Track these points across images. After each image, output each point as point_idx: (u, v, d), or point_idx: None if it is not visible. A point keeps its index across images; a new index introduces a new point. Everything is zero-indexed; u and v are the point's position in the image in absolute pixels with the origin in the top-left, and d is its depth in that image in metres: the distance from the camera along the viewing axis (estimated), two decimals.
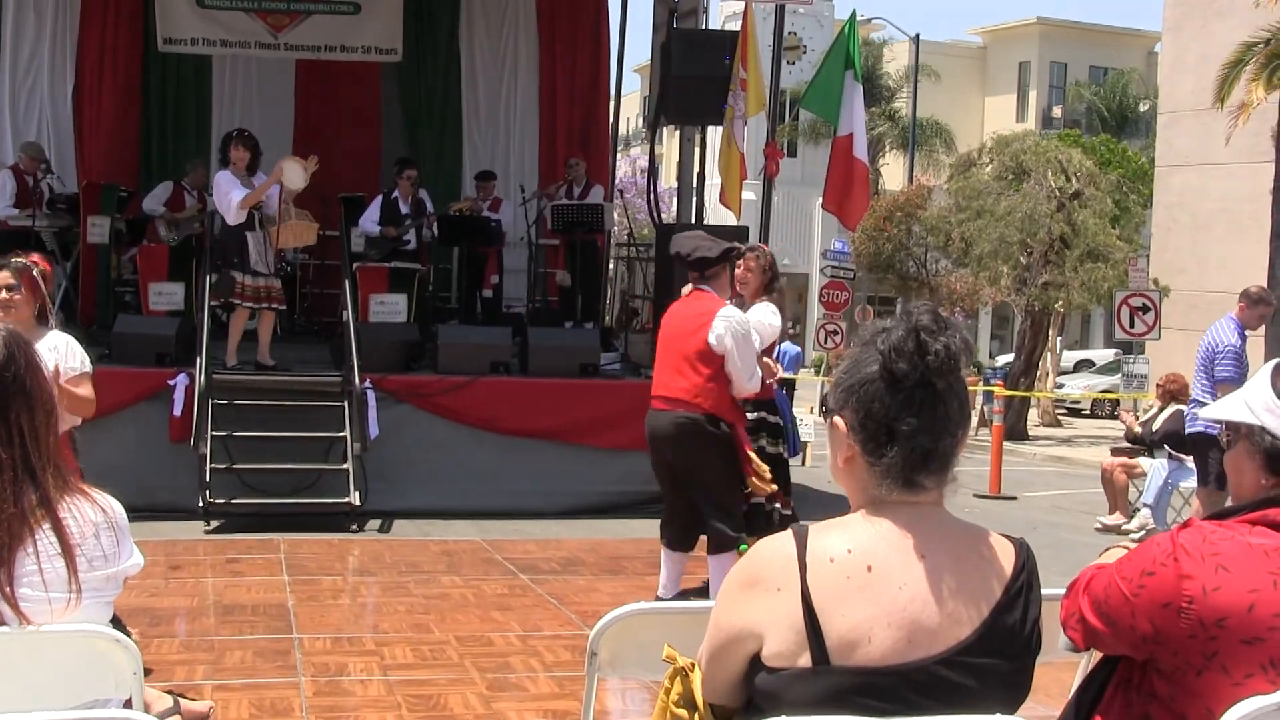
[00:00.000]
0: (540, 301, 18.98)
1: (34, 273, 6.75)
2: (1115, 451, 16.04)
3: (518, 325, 16.36)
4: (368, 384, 13.81)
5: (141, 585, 9.95)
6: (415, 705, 7.04)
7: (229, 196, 13.42)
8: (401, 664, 7.92)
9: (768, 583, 2.77)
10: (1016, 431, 28.23)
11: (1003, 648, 2.75)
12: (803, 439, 20.67)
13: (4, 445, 3.52)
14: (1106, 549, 3.57)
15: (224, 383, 13.64)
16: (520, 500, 14.03)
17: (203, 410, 13.25)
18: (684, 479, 9.07)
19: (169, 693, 4.66)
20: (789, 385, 15.18)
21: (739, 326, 8.82)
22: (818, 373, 38.94)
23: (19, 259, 6.82)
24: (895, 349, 2.74)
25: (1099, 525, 15.25)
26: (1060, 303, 29.57)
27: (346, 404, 13.74)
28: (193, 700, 4.82)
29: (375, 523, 13.22)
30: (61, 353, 6.72)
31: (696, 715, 3.07)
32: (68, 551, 3.50)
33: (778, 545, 2.81)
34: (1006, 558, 2.83)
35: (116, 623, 4.08)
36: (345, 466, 13.38)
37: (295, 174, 13.74)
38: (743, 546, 8.56)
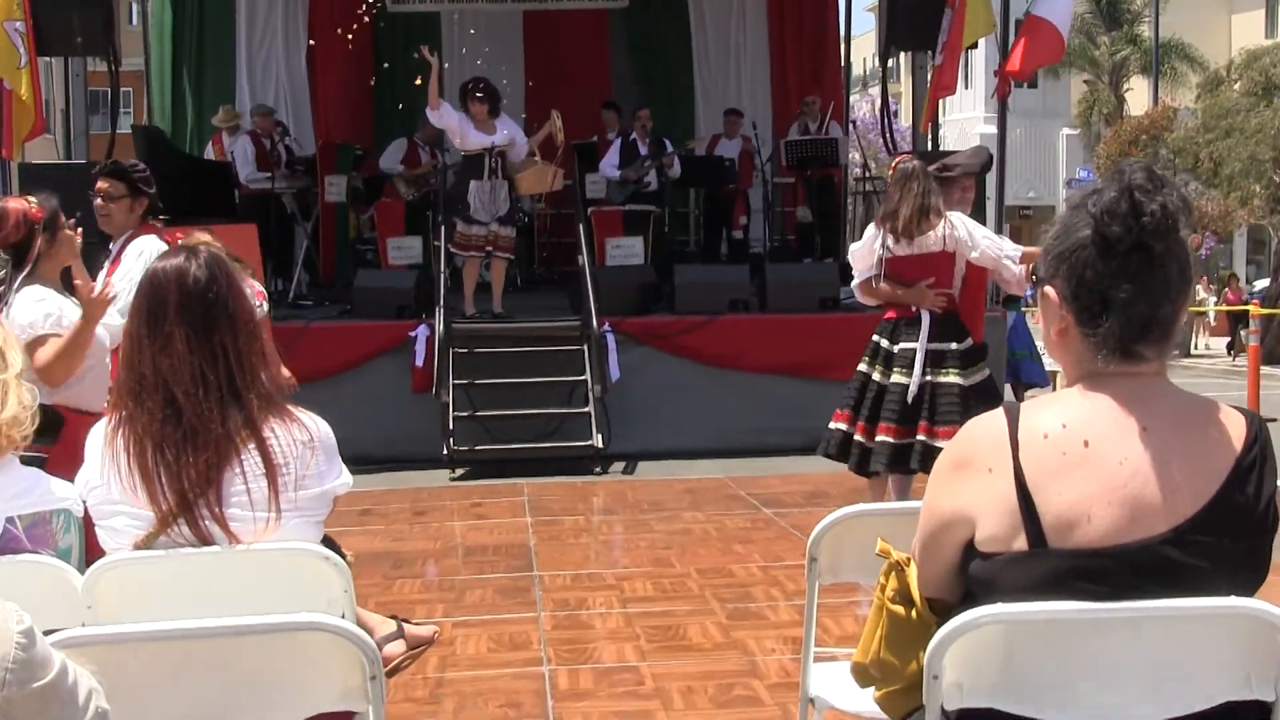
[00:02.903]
0: (779, 240, 18.78)
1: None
2: None
3: (756, 263, 16.18)
4: (607, 327, 13.80)
5: (387, 530, 10.12)
6: (654, 636, 6.95)
7: (463, 135, 13.59)
8: (641, 597, 7.84)
9: (978, 463, 2.60)
10: (1276, 355, 27.20)
11: (1235, 526, 2.52)
12: (1053, 367, 20.22)
13: (209, 365, 3.49)
14: None
15: (464, 332, 13.75)
16: (764, 437, 13.89)
17: (444, 360, 13.36)
18: None
19: (393, 617, 4.63)
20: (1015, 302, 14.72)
21: None
22: None
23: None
24: (1108, 211, 2.53)
25: None
26: None
27: (586, 348, 13.74)
28: (418, 625, 4.79)
29: (619, 465, 13.21)
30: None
31: (914, 611, 2.90)
32: (270, 471, 3.46)
33: (988, 423, 2.63)
34: (1237, 430, 2.59)
35: (330, 544, 4.04)
36: (587, 410, 13.38)
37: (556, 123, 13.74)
38: None
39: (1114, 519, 2.48)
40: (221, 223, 13.74)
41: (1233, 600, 2.51)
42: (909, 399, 8.54)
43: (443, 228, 14.13)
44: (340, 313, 14.85)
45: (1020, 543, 2.52)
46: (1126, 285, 2.52)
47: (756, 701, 5.84)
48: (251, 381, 3.54)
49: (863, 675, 3.05)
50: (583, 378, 13.61)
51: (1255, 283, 41.39)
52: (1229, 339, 28.57)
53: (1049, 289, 2.63)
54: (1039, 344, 17.20)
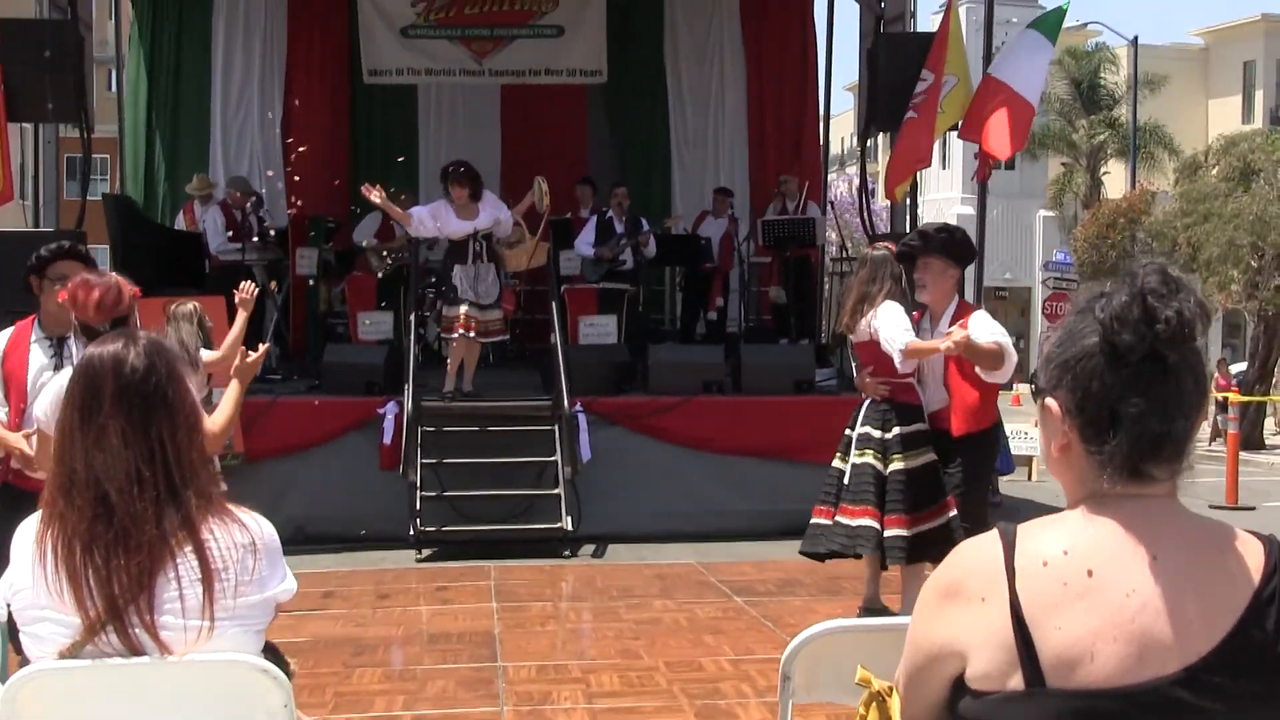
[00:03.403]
0: (754, 320, 18.62)
1: None
2: None
3: (731, 344, 16.03)
4: (578, 407, 13.62)
5: (349, 615, 9.88)
6: None
7: (444, 224, 13.41)
8: (608, 691, 7.60)
9: (970, 591, 2.36)
10: (1252, 440, 27.16)
11: (1253, 664, 2.27)
12: (1027, 452, 20.06)
13: (145, 461, 3.27)
14: None
15: (433, 410, 13.54)
16: (736, 521, 13.73)
17: (412, 438, 13.15)
18: None
19: None
20: None
21: None
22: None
23: None
24: (1118, 317, 2.30)
25: None
26: None
27: (557, 428, 13.54)
28: None
29: (589, 548, 13.00)
30: None
31: None
32: (207, 577, 3.23)
33: (981, 548, 2.40)
34: (1255, 559, 2.34)
35: (272, 652, 3.81)
36: (557, 491, 13.17)
37: (539, 191, 13.67)
38: None
39: (1120, 657, 2.25)
40: (190, 294, 13.56)
41: None
42: (844, 480, 8.85)
43: (414, 303, 13.93)
44: (309, 388, 14.64)
45: (1016, 681, 2.29)
46: (1137, 399, 2.30)
47: None
48: (190, 479, 3.31)
49: None
50: (553, 458, 13.40)
51: (1231, 366, 41.41)
52: (1210, 423, 28.46)
53: (1050, 401, 2.40)
54: (1007, 428, 17.09)
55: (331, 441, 13.63)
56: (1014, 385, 45.70)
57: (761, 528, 13.56)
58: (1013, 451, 18.12)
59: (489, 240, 13.51)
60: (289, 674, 3.94)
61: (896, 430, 8.66)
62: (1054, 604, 2.28)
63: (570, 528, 12.91)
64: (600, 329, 15.35)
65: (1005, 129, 13.96)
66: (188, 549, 3.26)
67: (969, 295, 15.37)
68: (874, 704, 2.74)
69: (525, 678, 7.95)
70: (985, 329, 8.45)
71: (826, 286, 19.57)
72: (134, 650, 3.21)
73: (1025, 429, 21.08)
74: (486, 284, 13.51)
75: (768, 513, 13.75)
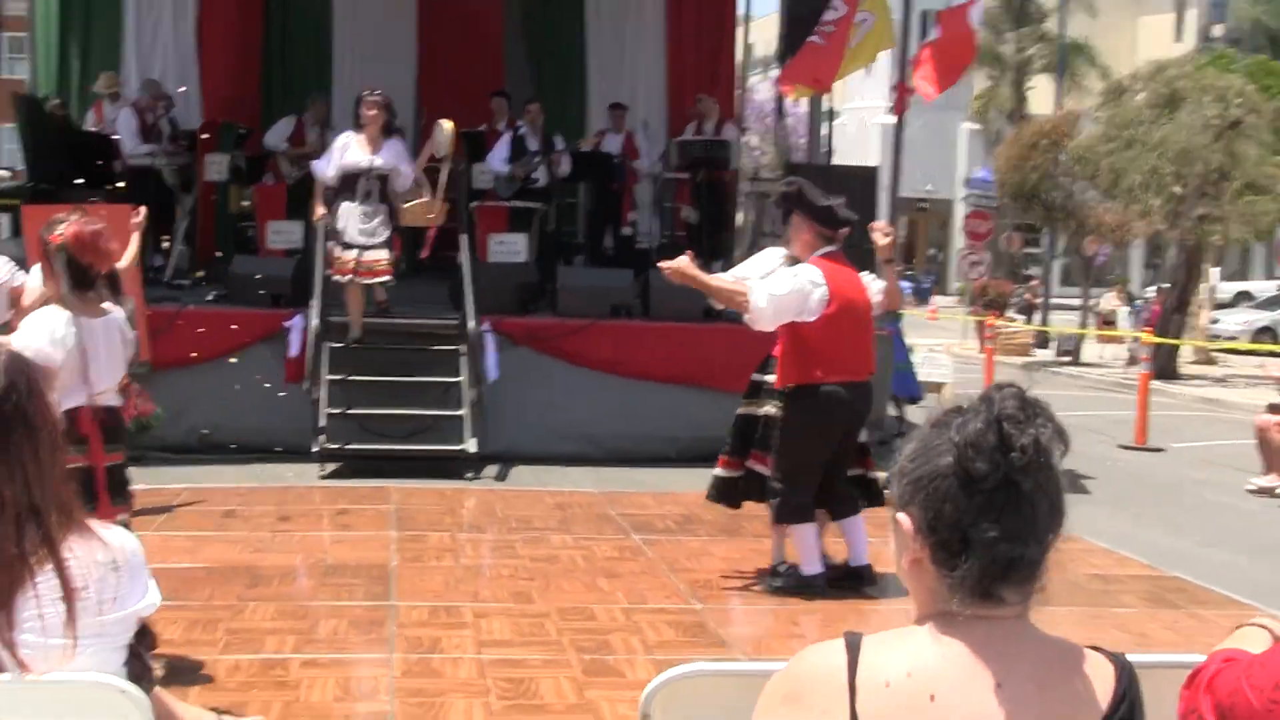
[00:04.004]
0: (668, 236, 18.54)
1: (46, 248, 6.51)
2: (1274, 408, 14.93)
3: (644, 263, 15.95)
4: (486, 326, 13.56)
5: (248, 539, 9.89)
6: (505, 691, 6.72)
7: (325, 168, 13.25)
8: (498, 640, 7.61)
9: (810, 703, 2.32)
10: (1167, 370, 27.39)
11: None
12: (939, 379, 20.11)
13: (5, 482, 3.20)
14: (1237, 627, 3.09)
15: (339, 324, 13.43)
16: (641, 445, 13.80)
17: (317, 353, 13.07)
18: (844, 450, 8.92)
19: (214, 709, 4.41)
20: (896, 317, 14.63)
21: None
22: (963, 299, 38.26)
23: (46, 230, 6.54)
24: (972, 444, 2.25)
25: (1251, 487, 14.42)
26: (1217, 236, 28.47)
27: (464, 348, 13.49)
28: (239, 718, 4.56)
29: (493, 469, 13.00)
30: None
31: None
32: (68, 596, 3.19)
33: (826, 657, 2.35)
34: (1104, 685, 2.33)
35: (139, 658, 3.77)
36: (462, 412, 13.15)
37: (443, 138, 13.29)
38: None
39: None
40: (100, 200, 13.39)
41: None
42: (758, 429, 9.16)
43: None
44: (216, 297, 14.50)
45: None
46: (990, 524, 2.25)
47: None
48: (51, 497, 3.26)
49: None
50: (459, 379, 13.36)
51: (1149, 288, 41.73)
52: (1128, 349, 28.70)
53: (902, 516, 2.36)
54: (913, 358, 17.19)
55: (238, 352, 13.52)
56: (930, 299, 46.06)
57: (665, 453, 13.65)
58: (922, 378, 18.15)
59: (384, 183, 13.15)
60: (151, 681, 3.92)
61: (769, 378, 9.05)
62: None
63: (473, 449, 12.90)
64: (510, 247, 15.25)
65: (943, 66, 13.99)
66: (48, 567, 3.21)
67: (883, 206, 15.42)
68: None
69: (417, 620, 7.95)
70: (749, 270, 9.06)
71: (740, 211, 19.53)
72: None
73: (939, 355, 21.23)
74: (373, 224, 13.09)
75: (672, 439, 13.83)
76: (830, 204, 8.66)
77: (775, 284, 8.48)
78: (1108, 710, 2.31)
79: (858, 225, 8.90)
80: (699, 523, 10.97)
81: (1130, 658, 2.41)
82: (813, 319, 8.43)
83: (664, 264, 8.67)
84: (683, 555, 9.87)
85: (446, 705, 6.49)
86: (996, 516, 2.25)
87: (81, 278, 6.42)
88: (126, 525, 6.52)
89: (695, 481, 12.23)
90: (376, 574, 8.99)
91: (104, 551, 3.28)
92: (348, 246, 13.05)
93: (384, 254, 13.14)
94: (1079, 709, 2.30)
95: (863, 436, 9.26)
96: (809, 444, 8.69)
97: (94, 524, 3.32)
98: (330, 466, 12.73)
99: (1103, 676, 2.35)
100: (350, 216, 13.05)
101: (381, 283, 13.23)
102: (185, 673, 6.74)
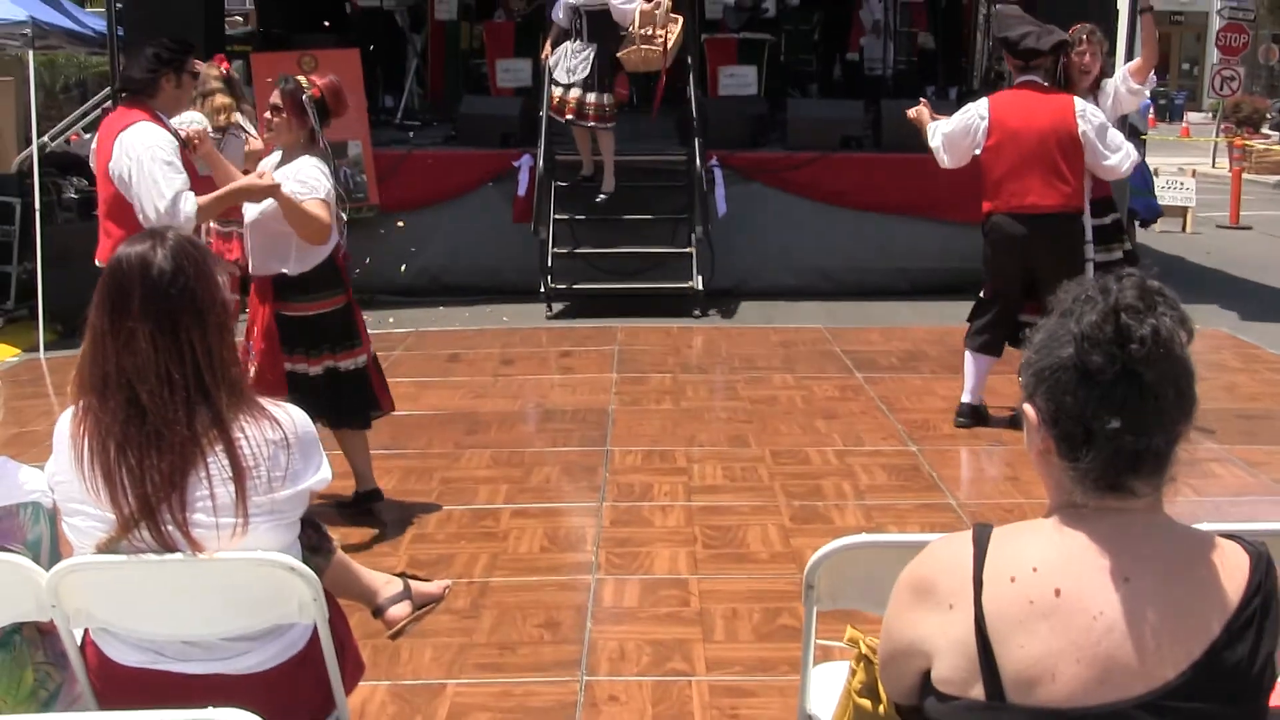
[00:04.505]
0: (903, 63, 18.14)
1: (301, 97, 6.54)
2: None
3: (875, 91, 15.67)
4: (714, 161, 13.49)
5: (470, 384, 10.06)
6: (711, 539, 6.77)
7: (556, 8, 13.04)
8: (708, 486, 7.66)
9: (939, 595, 2.32)
10: None
11: (1224, 690, 2.21)
12: (1182, 202, 19.54)
13: (175, 363, 3.30)
14: None
15: (567, 164, 13.48)
16: (870, 278, 13.68)
17: (544, 192, 13.14)
18: (1041, 281, 8.55)
19: (401, 575, 4.52)
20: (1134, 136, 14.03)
21: (1096, 117, 8.46)
22: (1215, 116, 36.87)
23: (291, 82, 6.62)
24: (1088, 336, 2.21)
25: None
26: None
27: (692, 184, 13.45)
28: (426, 581, 4.66)
29: (720, 306, 13.02)
30: (291, 176, 6.47)
31: (880, 707, 2.69)
32: (239, 475, 3.29)
33: (954, 551, 2.35)
34: (1236, 575, 2.27)
35: (316, 529, 3.88)
36: (690, 250, 13.15)
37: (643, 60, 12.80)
38: None
39: (1082, 679, 2.20)
40: (327, 45, 13.59)
41: None
42: None
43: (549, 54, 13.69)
44: (445, 139, 14.64)
45: (977, 691, 2.26)
46: (1112, 417, 2.21)
47: (798, 635, 5.66)
48: (221, 378, 3.35)
49: None
50: (686, 215, 13.35)
51: None
52: None
53: (1028, 407, 2.31)
54: (1156, 180, 16.69)
55: (466, 195, 13.68)
56: (1184, 116, 44.50)
57: (895, 285, 13.53)
58: (1164, 203, 17.64)
59: (592, 20, 12.69)
60: (330, 550, 4.03)
61: None
62: (1019, 621, 2.23)
63: (700, 287, 12.92)
64: (740, 80, 15.12)
65: None
66: (219, 448, 3.31)
67: (1123, 15, 14.68)
68: (862, 664, 2.75)
69: (630, 465, 8.04)
70: None
71: (979, 35, 18.98)
72: (167, 547, 3.29)
73: (1183, 178, 20.58)
74: (577, 61, 12.76)
75: (902, 271, 13.69)
76: (1018, 33, 8.54)
77: (947, 122, 8.68)
78: (1240, 602, 2.26)
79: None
80: (924, 359, 10.86)
81: None
82: (979, 151, 8.59)
83: (909, 112, 8.95)
84: (904, 394, 9.79)
85: (651, 555, 6.57)
86: (1118, 408, 2.21)
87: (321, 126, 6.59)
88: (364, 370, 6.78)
89: (923, 317, 12.16)
90: (595, 418, 9.10)
91: (274, 429, 3.37)
92: (556, 84, 12.95)
93: (593, 95, 12.82)
94: (1209, 601, 2.25)
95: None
96: (990, 274, 8.84)
97: (266, 402, 3.41)
98: (557, 307, 12.88)
99: (1236, 567, 2.29)
100: (563, 55, 12.90)
101: (594, 127, 13.06)
102: (396, 525, 6.93)
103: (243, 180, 6.49)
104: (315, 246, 6.49)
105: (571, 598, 6.02)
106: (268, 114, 6.63)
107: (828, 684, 3.43)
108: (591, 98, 12.83)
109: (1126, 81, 8.79)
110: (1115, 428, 2.21)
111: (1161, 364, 2.20)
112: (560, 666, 5.32)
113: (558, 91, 12.91)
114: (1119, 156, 8.42)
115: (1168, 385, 2.22)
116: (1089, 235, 8.62)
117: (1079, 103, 8.45)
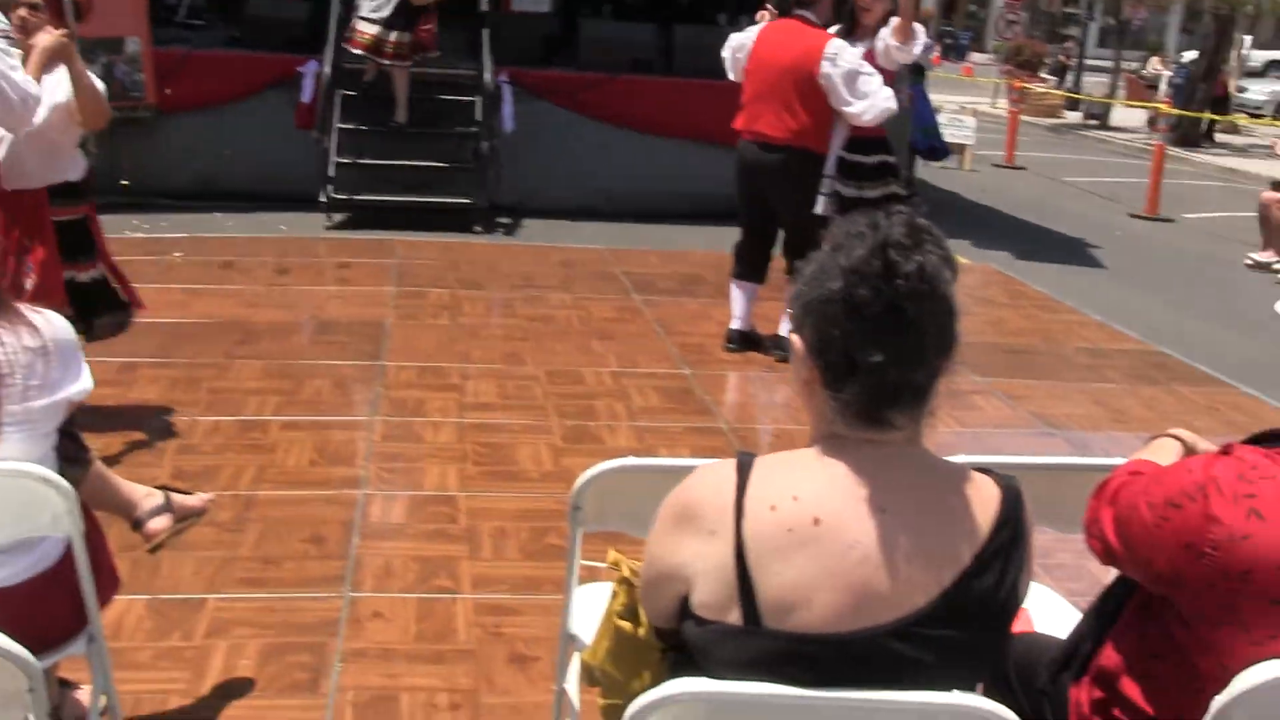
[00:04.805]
0: None
1: None
2: (1277, 185, 14.91)
3: (669, 14, 15.64)
4: (503, 78, 13.40)
5: (243, 292, 9.87)
6: (482, 457, 6.77)
7: None
8: (482, 403, 7.64)
9: (701, 521, 2.35)
10: (1192, 138, 27.05)
11: (969, 616, 2.30)
12: (961, 140, 19.91)
13: None
14: (1154, 438, 3.12)
15: (353, 71, 13.27)
16: (653, 201, 13.74)
17: (329, 101, 12.94)
18: (776, 211, 8.87)
19: (163, 487, 4.43)
20: (919, 73, 14.20)
21: (847, 63, 8.38)
22: (998, 57, 37.59)
23: None
24: (855, 270, 2.24)
25: (1249, 261, 14.49)
26: (1250, 5, 27.85)
27: (480, 99, 13.35)
28: (188, 494, 4.58)
29: (503, 223, 12.97)
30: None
31: (640, 630, 2.73)
32: None
33: (716, 479, 2.37)
34: (987, 509, 2.35)
35: (73, 439, 3.79)
36: (474, 165, 13.07)
37: None
38: None
39: (836, 606, 2.26)
40: None
41: (952, 696, 2.32)
42: None
43: None
44: (227, 40, 14.31)
45: (735, 616, 2.30)
46: (875, 350, 2.26)
47: (562, 554, 5.70)
48: None
49: (589, 676, 2.91)
50: (473, 129, 13.26)
51: (1184, 53, 40.93)
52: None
53: (795, 338, 2.36)
54: (939, 117, 16.96)
55: (251, 98, 13.39)
56: (967, 56, 45.32)
57: (677, 209, 13.61)
58: (946, 139, 17.90)
59: None
60: (88, 461, 3.95)
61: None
62: (777, 549, 2.27)
63: (483, 203, 12.85)
64: None
65: None
66: None
67: None
68: (624, 587, 2.78)
69: (403, 381, 7.98)
70: None
71: None
72: None
73: (964, 116, 20.96)
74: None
75: (685, 195, 13.77)
76: None
77: (736, 34, 9.03)
78: (990, 533, 2.34)
79: None
80: (701, 284, 10.96)
81: (1054, 459, 2.41)
82: (736, 76, 8.92)
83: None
84: (681, 318, 9.87)
85: (420, 470, 6.56)
86: (881, 342, 2.25)
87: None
88: (103, 279, 6.55)
89: (704, 240, 12.25)
90: (370, 332, 9.01)
91: (33, 337, 3.28)
92: (360, 19, 12.82)
93: (394, 34, 12.81)
94: (958, 533, 2.33)
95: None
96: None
97: (25, 309, 3.32)
98: (337, 218, 12.71)
99: (986, 500, 2.37)
100: None
101: (390, 65, 13.05)
102: (161, 435, 6.79)
103: (44, 40, 6.16)
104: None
105: (339, 512, 5.98)
106: (23, 12, 6.36)
107: (591, 605, 3.46)
108: (393, 35, 12.76)
109: (890, 40, 8.78)
110: (878, 361, 2.25)
111: (925, 300, 2.25)
112: (325, 582, 5.29)
113: (360, 25, 12.77)
114: (862, 105, 8.36)
115: (930, 321, 2.27)
116: (829, 170, 8.70)
117: (832, 46, 8.39)
